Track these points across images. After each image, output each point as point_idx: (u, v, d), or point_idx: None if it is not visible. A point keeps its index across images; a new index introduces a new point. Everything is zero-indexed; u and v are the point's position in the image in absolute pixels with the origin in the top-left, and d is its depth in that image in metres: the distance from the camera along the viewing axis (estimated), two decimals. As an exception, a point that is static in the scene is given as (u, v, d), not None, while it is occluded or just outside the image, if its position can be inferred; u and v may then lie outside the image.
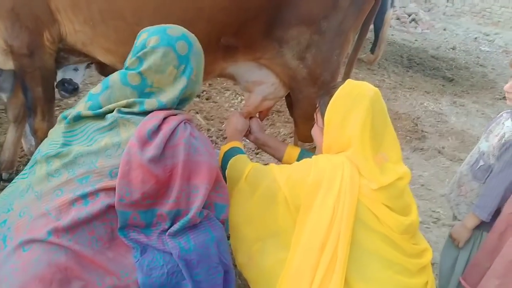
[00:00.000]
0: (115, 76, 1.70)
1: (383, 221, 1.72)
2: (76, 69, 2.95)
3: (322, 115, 1.86)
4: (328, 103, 1.82)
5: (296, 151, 2.23)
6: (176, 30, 1.74)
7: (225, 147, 2.14)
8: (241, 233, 1.91)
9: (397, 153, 1.83)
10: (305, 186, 1.75)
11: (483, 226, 2.20)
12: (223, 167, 2.04)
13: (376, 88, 1.84)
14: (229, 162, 2.00)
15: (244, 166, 1.95)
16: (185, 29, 1.76)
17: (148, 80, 1.67)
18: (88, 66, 3.06)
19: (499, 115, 2.33)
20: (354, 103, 1.77)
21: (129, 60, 1.71)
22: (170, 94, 1.68)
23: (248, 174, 1.91)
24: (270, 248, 1.82)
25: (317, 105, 1.95)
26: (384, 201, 1.72)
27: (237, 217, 1.91)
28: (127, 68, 1.71)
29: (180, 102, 1.74)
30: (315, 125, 1.97)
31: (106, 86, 1.69)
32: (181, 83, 1.69)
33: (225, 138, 4.20)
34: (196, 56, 1.74)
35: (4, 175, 3.02)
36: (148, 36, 1.72)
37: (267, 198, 1.83)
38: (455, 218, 2.44)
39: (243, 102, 4.68)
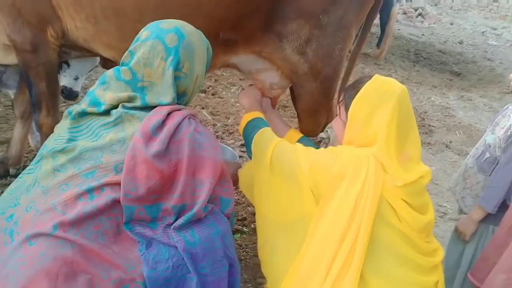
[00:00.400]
0: (110, 72, 1.72)
1: (402, 218, 1.71)
2: (76, 78, 2.98)
3: (346, 109, 1.82)
4: (353, 97, 1.79)
5: (297, 136, 2.22)
6: (169, 23, 1.73)
7: (248, 116, 2.10)
8: (263, 214, 1.91)
9: (419, 152, 1.81)
10: (329, 176, 1.73)
11: (489, 219, 2.20)
12: (246, 136, 2.03)
13: (404, 86, 1.81)
14: (254, 137, 1.98)
15: (269, 143, 1.92)
16: (182, 23, 1.75)
17: (138, 74, 1.67)
18: (91, 71, 3.09)
19: (505, 108, 2.32)
20: (381, 100, 1.74)
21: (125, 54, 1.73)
22: (164, 89, 1.67)
23: (273, 153, 1.88)
24: (288, 234, 1.82)
25: (341, 98, 1.93)
26: (405, 198, 1.71)
27: (259, 197, 1.91)
28: (121, 63, 1.72)
29: (178, 98, 1.73)
30: (336, 117, 1.96)
31: (103, 81, 1.71)
32: (169, 75, 1.67)
33: (231, 133, 4.21)
34: (188, 49, 1.70)
35: (12, 171, 3.05)
36: (142, 31, 1.73)
37: (290, 182, 1.81)
38: (461, 211, 2.44)
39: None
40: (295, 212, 1.82)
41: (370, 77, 1.81)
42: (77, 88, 3.03)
